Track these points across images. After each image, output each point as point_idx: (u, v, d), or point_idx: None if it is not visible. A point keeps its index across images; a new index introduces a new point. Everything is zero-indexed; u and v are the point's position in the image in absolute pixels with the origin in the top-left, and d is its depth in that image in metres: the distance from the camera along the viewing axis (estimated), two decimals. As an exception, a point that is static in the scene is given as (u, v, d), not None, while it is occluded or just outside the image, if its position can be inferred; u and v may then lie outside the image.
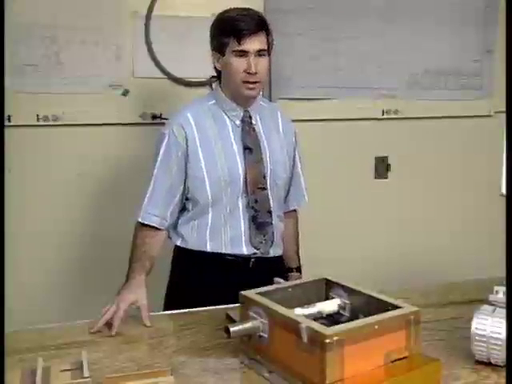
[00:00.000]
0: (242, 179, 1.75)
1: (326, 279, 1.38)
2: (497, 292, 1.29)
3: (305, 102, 2.73)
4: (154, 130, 2.54)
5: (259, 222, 1.77)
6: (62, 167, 2.46)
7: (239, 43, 1.68)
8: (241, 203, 1.77)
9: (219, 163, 1.74)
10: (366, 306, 1.27)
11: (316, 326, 1.09)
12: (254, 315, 1.22)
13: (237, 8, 1.75)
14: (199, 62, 2.56)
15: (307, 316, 1.23)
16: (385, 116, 2.92)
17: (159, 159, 1.77)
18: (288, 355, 1.14)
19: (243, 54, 1.69)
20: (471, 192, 2.99)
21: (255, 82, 1.71)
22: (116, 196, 2.53)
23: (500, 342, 1.21)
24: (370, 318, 1.13)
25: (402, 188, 2.93)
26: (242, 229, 1.76)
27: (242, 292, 1.28)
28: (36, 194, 2.43)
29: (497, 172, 2.94)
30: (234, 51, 1.69)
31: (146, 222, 1.75)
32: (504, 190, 1.38)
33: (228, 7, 2.55)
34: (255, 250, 1.78)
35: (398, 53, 2.89)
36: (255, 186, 1.77)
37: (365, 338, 1.10)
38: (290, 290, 1.35)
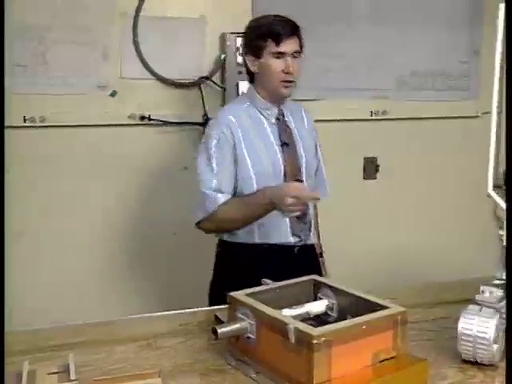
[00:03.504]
0: (282, 173, 1.89)
1: (313, 280, 1.38)
2: (483, 292, 1.30)
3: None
4: (143, 131, 2.56)
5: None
6: (49, 169, 2.44)
7: (277, 45, 1.83)
8: None
9: (263, 159, 1.88)
10: (354, 306, 1.27)
11: (303, 326, 1.09)
12: (242, 316, 1.22)
13: (269, 15, 1.92)
14: (187, 62, 2.58)
15: (295, 317, 1.23)
16: (373, 117, 2.93)
17: (213, 155, 1.84)
18: (275, 356, 1.14)
19: (281, 55, 1.84)
20: (459, 192, 3.01)
21: (291, 81, 1.87)
22: (103, 197, 2.53)
23: (486, 342, 1.22)
24: (358, 318, 1.13)
25: (390, 188, 2.95)
26: (286, 219, 1.87)
27: (230, 293, 1.28)
28: (22, 195, 2.41)
29: (484, 172, 2.96)
30: (272, 53, 1.84)
31: (215, 207, 1.81)
32: (490, 191, 1.38)
33: (215, 9, 2.58)
34: (298, 239, 1.93)
35: (387, 54, 2.90)
36: (293, 179, 1.91)
37: (352, 339, 1.10)
38: (277, 290, 1.34)
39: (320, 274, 2.04)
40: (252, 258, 1.88)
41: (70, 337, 1.45)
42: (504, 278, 1.35)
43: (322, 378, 1.06)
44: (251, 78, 1.96)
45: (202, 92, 2.60)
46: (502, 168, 3.66)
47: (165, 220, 2.65)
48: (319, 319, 1.32)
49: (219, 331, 1.18)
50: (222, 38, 2.60)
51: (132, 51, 2.47)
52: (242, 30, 2.57)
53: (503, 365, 1.26)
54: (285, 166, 1.90)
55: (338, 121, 2.82)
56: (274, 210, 1.76)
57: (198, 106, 2.60)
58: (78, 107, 2.42)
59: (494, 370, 1.25)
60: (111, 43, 2.44)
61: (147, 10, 2.47)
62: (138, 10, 2.46)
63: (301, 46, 1.89)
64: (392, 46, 2.90)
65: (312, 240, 2.03)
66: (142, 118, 2.52)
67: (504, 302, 1.30)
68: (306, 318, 1.28)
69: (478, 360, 1.25)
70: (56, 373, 1.20)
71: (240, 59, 2.61)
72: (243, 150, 1.87)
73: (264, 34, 1.85)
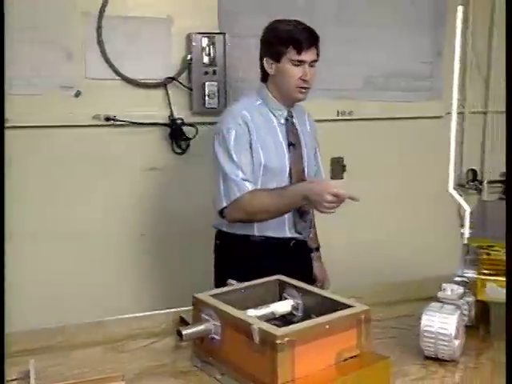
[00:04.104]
0: (287, 172, 1.96)
1: (279, 280, 1.39)
2: (444, 289, 1.33)
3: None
4: (108, 132, 2.53)
5: (302, 211, 1.99)
6: (11, 171, 2.39)
7: (299, 54, 1.90)
8: None
9: (272, 156, 1.93)
10: (319, 305, 1.28)
11: (267, 326, 1.10)
12: (207, 317, 1.21)
13: (292, 20, 1.97)
14: (153, 63, 2.56)
15: (260, 317, 1.24)
16: (340, 117, 2.96)
17: (233, 146, 1.88)
18: (240, 357, 1.14)
19: (300, 63, 1.92)
20: (424, 191, 3.06)
21: (307, 88, 1.95)
22: (67, 198, 2.49)
23: (447, 338, 1.24)
24: (321, 317, 1.14)
25: (357, 188, 2.94)
26: (286, 215, 1.94)
27: (195, 294, 1.28)
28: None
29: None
30: (292, 60, 1.91)
31: (242, 193, 1.85)
32: (451, 190, 1.41)
33: (181, 9, 2.57)
34: (298, 235, 2.01)
35: (353, 55, 2.92)
36: (298, 178, 1.98)
37: (316, 338, 1.11)
38: (243, 291, 1.35)
39: (311, 268, 2.17)
40: (249, 250, 1.96)
41: (33, 342, 1.43)
42: (464, 275, 1.38)
43: (285, 377, 1.06)
44: (264, 77, 2.01)
45: (168, 92, 2.58)
46: (466, 168, 3.74)
47: (132, 221, 2.63)
48: (284, 319, 1.32)
49: (184, 333, 1.18)
50: (188, 39, 2.59)
51: (96, 51, 2.44)
52: (208, 30, 2.61)
53: (463, 360, 1.29)
54: (291, 166, 1.97)
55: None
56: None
57: (164, 107, 2.58)
58: (42, 108, 2.38)
59: (454, 365, 1.27)
60: (75, 43, 2.40)
61: (112, 10, 2.44)
62: (102, 9, 2.43)
63: (318, 55, 1.97)
64: (358, 46, 2.92)
65: (310, 235, 2.12)
66: (107, 118, 2.49)
67: (464, 298, 1.33)
68: (271, 318, 1.28)
69: (440, 356, 1.27)
70: (16, 379, 1.17)
71: (206, 59, 2.62)
72: (256, 144, 1.91)
73: (286, 40, 1.91)
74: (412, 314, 1.51)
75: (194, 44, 2.58)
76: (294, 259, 2.01)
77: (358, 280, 2.18)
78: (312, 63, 1.94)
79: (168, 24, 2.55)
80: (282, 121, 2.00)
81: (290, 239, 2.02)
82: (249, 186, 1.87)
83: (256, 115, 1.95)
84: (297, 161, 2.01)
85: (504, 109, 3.55)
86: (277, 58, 1.94)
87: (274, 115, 1.99)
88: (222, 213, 1.92)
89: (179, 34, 2.58)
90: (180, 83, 2.59)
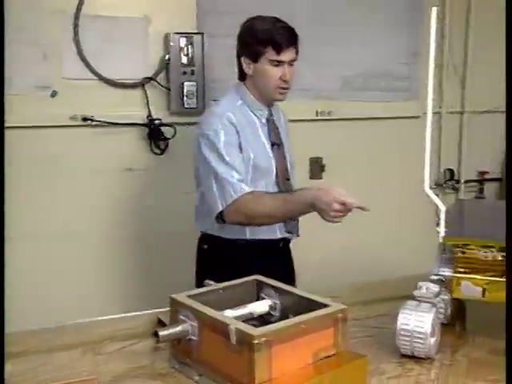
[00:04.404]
0: (274, 172, 1.94)
1: (256, 280, 1.39)
2: (420, 288, 1.34)
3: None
4: (85, 133, 2.51)
5: None
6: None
7: (278, 54, 1.86)
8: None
9: (258, 156, 1.90)
10: (296, 305, 1.28)
11: (244, 327, 1.10)
12: (184, 318, 1.21)
13: (269, 17, 1.91)
14: (131, 63, 2.54)
15: (238, 317, 1.23)
16: (318, 117, 2.97)
17: (223, 147, 1.82)
18: (217, 357, 1.14)
19: (279, 63, 1.87)
20: (402, 191, 3.08)
21: (286, 88, 1.91)
22: (43, 199, 2.47)
23: (423, 336, 1.25)
24: (298, 317, 1.14)
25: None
26: None
27: (172, 295, 1.27)
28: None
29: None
30: (271, 60, 1.87)
31: (238, 195, 1.79)
32: (427, 189, 1.42)
33: (158, 9, 2.55)
34: (288, 234, 2.01)
35: (331, 55, 2.94)
36: (284, 178, 1.97)
37: (293, 338, 1.11)
38: (220, 291, 1.34)
39: (293, 266, 2.15)
40: (239, 253, 1.92)
41: (9, 345, 1.40)
42: (440, 273, 1.39)
43: (262, 377, 1.06)
44: (242, 76, 1.97)
45: (146, 93, 2.57)
46: (443, 167, 3.77)
47: (110, 222, 2.61)
48: (262, 319, 1.32)
49: (160, 334, 1.17)
50: (166, 38, 2.58)
51: (73, 51, 2.41)
52: (187, 30, 2.60)
53: (439, 357, 1.30)
54: (276, 166, 1.95)
55: (285, 121, 2.84)
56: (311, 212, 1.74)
57: (142, 107, 2.57)
58: (17, 108, 2.34)
59: (430, 362, 1.28)
60: (51, 42, 2.38)
61: (88, 9, 2.42)
62: (79, 8, 2.41)
63: (297, 53, 1.92)
64: (336, 46, 2.94)
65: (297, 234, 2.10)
66: (85, 119, 2.47)
67: (440, 297, 1.35)
68: (248, 319, 1.28)
69: (416, 354, 1.28)
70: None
71: (185, 59, 2.61)
72: (244, 143, 1.88)
73: (265, 40, 1.86)
74: (389, 312, 1.52)
75: (172, 44, 2.57)
76: (284, 258, 2.02)
77: (336, 280, 2.19)
78: (291, 62, 1.91)
79: (145, 24, 2.54)
80: (264, 120, 1.97)
81: (280, 240, 2.01)
82: (245, 188, 1.80)
83: (239, 115, 1.91)
84: (281, 161, 1.99)
85: (481, 109, 3.61)
86: (255, 58, 1.89)
87: (256, 115, 1.96)
88: (218, 216, 1.84)
89: (157, 33, 2.57)
90: (158, 83, 2.58)
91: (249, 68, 1.92)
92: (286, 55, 1.88)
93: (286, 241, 2.06)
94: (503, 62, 3.71)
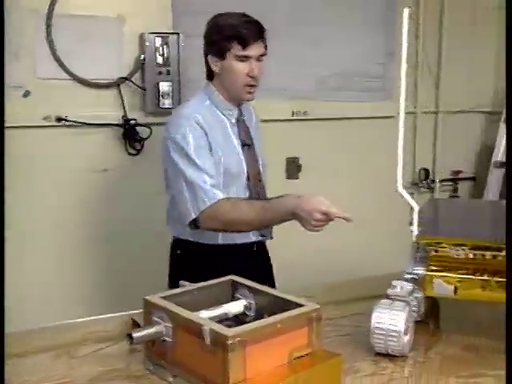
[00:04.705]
0: (245, 173, 1.89)
1: (231, 280, 1.39)
2: (394, 286, 1.35)
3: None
4: (60, 133, 2.48)
5: None
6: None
7: (244, 49, 1.79)
8: (245, 196, 1.89)
9: (228, 158, 1.85)
10: (271, 305, 1.28)
11: (218, 327, 1.09)
12: (158, 320, 1.20)
13: (234, 13, 1.85)
14: (105, 62, 2.52)
15: (212, 318, 1.23)
16: (294, 117, 2.98)
17: (193, 150, 1.77)
18: (192, 358, 1.14)
19: (245, 58, 1.81)
20: (378, 190, 3.10)
21: (254, 86, 1.85)
22: (16, 201, 2.43)
23: (396, 334, 1.26)
24: (272, 317, 1.14)
25: (312, 188, 2.96)
26: None
27: (145, 297, 1.26)
28: None
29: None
30: (237, 56, 1.80)
31: (212, 202, 1.74)
32: (400, 189, 1.44)
33: (133, 8, 2.54)
34: (261, 238, 1.96)
35: (307, 55, 2.95)
36: (255, 180, 1.93)
37: (267, 338, 1.11)
38: (195, 292, 1.34)
39: (272, 268, 2.12)
40: (213, 259, 1.87)
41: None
42: (414, 272, 1.40)
43: (237, 378, 1.06)
44: (210, 75, 1.91)
45: (121, 93, 2.55)
46: (418, 167, 3.81)
47: (85, 222, 2.58)
48: (237, 319, 1.32)
49: (134, 336, 1.16)
50: (141, 38, 2.56)
51: (46, 50, 2.38)
52: (162, 30, 2.58)
53: (413, 355, 1.32)
54: (248, 168, 1.90)
55: (260, 121, 2.84)
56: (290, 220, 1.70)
57: (117, 107, 2.55)
58: (-11, 108, 2.31)
59: (404, 360, 1.29)
60: (23, 42, 2.35)
61: (61, 8, 2.40)
62: (51, 7, 2.38)
63: (265, 48, 1.87)
64: (313, 46, 2.95)
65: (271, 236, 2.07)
66: (59, 119, 2.45)
67: (413, 295, 1.36)
68: (223, 319, 1.28)
69: (390, 352, 1.29)
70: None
71: (160, 59, 2.60)
72: (215, 146, 1.83)
73: (230, 36, 1.80)
74: (364, 311, 1.53)
75: (147, 44, 2.56)
76: (259, 260, 1.99)
77: (311, 279, 2.19)
78: (259, 58, 1.84)
79: (120, 23, 2.52)
80: (233, 121, 1.91)
81: (254, 243, 1.97)
82: (219, 194, 1.75)
83: (208, 117, 1.84)
84: (252, 162, 1.94)
85: (455, 109, 3.65)
86: (221, 54, 1.82)
87: (225, 115, 1.90)
88: (191, 222, 1.79)
89: (132, 33, 2.56)
90: (133, 83, 2.56)
91: (216, 66, 1.85)
92: (253, 50, 1.81)
93: (260, 243, 2.02)
94: (476, 62, 3.77)
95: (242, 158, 1.90)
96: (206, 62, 1.89)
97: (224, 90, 1.88)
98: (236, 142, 1.90)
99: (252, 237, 1.94)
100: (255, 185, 1.93)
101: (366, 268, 1.98)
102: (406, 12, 1.32)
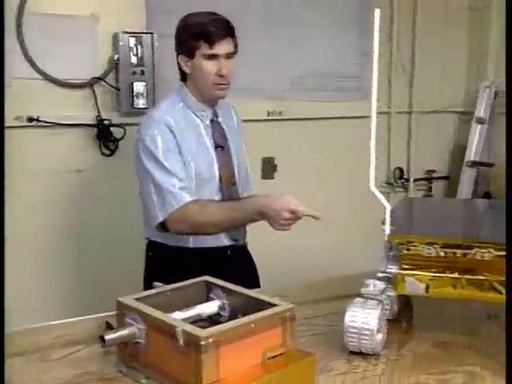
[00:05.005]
0: (217, 177, 1.87)
1: (205, 281, 1.38)
2: (367, 285, 1.36)
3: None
4: (32, 134, 2.45)
5: None
6: None
7: (211, 47, 1.78)
8: (217, 199, 1.87)
9: (199, 162, 1.83)
10: (245, 305, 1.27)
11: (191, 328, 1.09)
12: (131, 321, 1.19)
13: (203, 12, 1.84)
14: (78, 62, 2.50)
15: (186, 319, 1.23)
16: (270, 117, 2.98)
17: (162, 154, 1.77)
18: (165, 360, 1.13)
19: (214, 57, 1.80)
20: (353, 190, 3.11)
21: (225, 84, 1.83)
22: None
23: (369, 332, 1.27)
24: (245, 317, 1.14)
25: (288, 188, 2.96)
26: None
27: (118, 298, 1.25)
28: None
29: (377, 171, 3.10)
30: (205, 55, 1.79)
31: (180, 204, 1.74)
32: (372, 188, 1.44)
33: (106, 7, 2.52)
34: (234, 242, 1.93)
35: (282, 55, 2.96)
36: (228, 182, 1.90)
37: (241, 338, 1.11)
38: (168, 293, 1.33)
39: (255, 272, 2.10)
40: (185, 262, 1.84)
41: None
42: (387, 270, 1.42)
43: (210, 378, 1.06)
44: (183, 77, 1.90)
45: (94, 93, 2.53)
46: (393, 166, 3.84)
47: (58, 224, 2.55)
48: (211, 320, 1.32)
49: (106, 338, 1.15)
50: (115, 38, 2.54)
51: (17, 50, 2.35)
52: (136, 30, 2.57)
53: (385, 353, 1.33)
54: (220, 170, 1.88)
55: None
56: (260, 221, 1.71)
57: (90, 107, 2.53)
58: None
59: (377, 358, 1.30)
60: (-6, 41, 2.31)
61: (32, 7, 2.37)
62: (22, 6, 2.34)
63: (235, 46, 1.86)
64: (288, 46, 2.96)
65: (247, 240, 2.04)
66: (31, 119, 2.42)
67: (386, 293, 1.37)
68: (197, 320, 1.27)
69: (363, 350, 1.30)
70: None
71: (134, 59, 2.58)
72: (183, 149, 1.81)
73: (196, 34, 1.79)
74: (338, 311, 1.54)
75: (121, 43, 2.54)
76: (234, 267, 1.91)
77: (286, 279, 2.18)
78: (228, 56, 1.83)
79: (93, 22, 2.50)
80: (207, 122, 1.90)
81: (227, 247, 1.94)
82: (187, 197, 1.75)
83: (179, 119, 1.83)
84: (226, 164, 1.92)
85: (428, 109, 3.70)
86: (190, 54, 1.81)
87: (198, 117, 1.89)
88: (159, 225, 1.80)
89: (106, 32, 2.54)
90: (107, 83, 2.54)
91: (186, 66, 1.85)
92: (220, 48, 1.80)
93: (237, 247, 1.98)
94: (449, 63, 3.81)
95: (215, 160, 1.89)
96: (178, 63, 1.88)
97: (196, 91, 1.87)
98: (209, 144, 1.89)
99: (224, 241, 1.92)
100: (228, 187, 1.91)
101: (341, 267, 1.98)
102: (377, 12, 1.32)
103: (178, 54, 1.87)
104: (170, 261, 1.89)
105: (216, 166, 1.88)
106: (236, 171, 1.96)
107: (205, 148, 1.88)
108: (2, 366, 1.10)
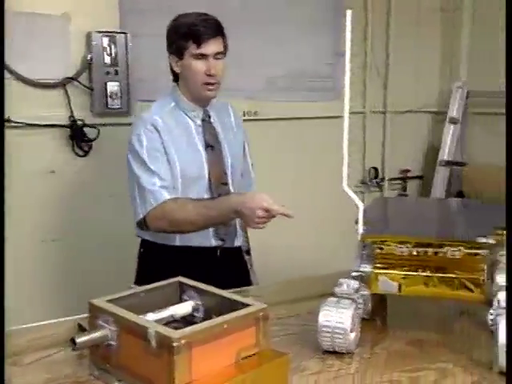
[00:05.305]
0: (206, 176, 1.88)
1: (179, 282, 1.37)
2: (341, 284, 1.37)
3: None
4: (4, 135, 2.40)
5: None
6: None
7: (199, 47, 1.81)
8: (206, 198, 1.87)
9: (188, 161, 1.85)
10: (219, 306, 1.27)
11: (163, 329, 1.08)
12: (103, 323, 1.18)
13: (194, 13, 1.87)
14: (50, 62, 2.47)
15: (159, 320, 1.22)
16: (246, 117, 2.98)
17: (146, 153, 1.80)
18: (137, 362, 1.12)
19: (202, 57, 1.82)
20: (327, 190, 3.13)
21: (214, 83, 1.85)
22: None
23: (343, 331, 1.28)
24: (219, 318, 1.14)
25: (262, 188, 2.93)
26: None
27: (91, 300, 1.23)
28: None
29: (351, 170, 3.12)
30: (193, 54, 1.82)
31: (159, 202, 1.76)
32: (345, 187, 1.45)
33: (79, 6, 2.49)
34: (221, 242, 1.92)
35: (256, 55, 2.96)
36: (218, 182, 1.90)
37: (214, 339, 1.10)
38: (142, 295, 1.32)
39: (247, 276, 2.07)
40: (173, 260, 1.86)
41: None
42: (361, 269, 1.42)
43: (182, 380, 1.05)
44: (175, 77, 1.92)
45: (67, 93, 2.49)
46: (368, 166, 3.87)
47: (31, 225, 2.51)
48: (185, 321, 1.31)
49: (77, 341, 1.14)
50: (88, 37, 2.51)
51: (-13, 49, 2.31)
52: (109, 29, 2.54)
53: (359, 351, 1.33)
54: (209, 169, 1.89)
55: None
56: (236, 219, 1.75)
57: (63, 108, 2.50)
58: None
59: (350, 357, 1.31)
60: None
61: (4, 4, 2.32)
62: (-8, 4, 2.31)
63: (225, 47, 1.88)
64: (263, 47, 2.96)
65: (239, 242, 2.03)
66: (2, 120, 2.37)
67: (359, 292, 1.38)
68: (171, 321, 1.27)
69: (337, 349, 1.31)
70: None
71: (108, 59, 2.56)
72: (170, 149, 1.84)
73: (185, 34, 1.82)
74: (313, 310, 1.54)
75: (94, 43, 2.51)
76: (224, 268, 1.92)
77: (260, 280, 2.19)
78: (218, 55, 1.85)
79: (65, 21, 2.46)
80: (198, 122, 1.92)
81: (216, 248, 1.94)
82: (166, 195, 1.78)
83: (169, 119, 1.86)
84: (216, 164, 1.93)
85: (402, 109, 3.72)
86: (180, 54, 1.85)
87: (189, 117, 1.91)
88: (141, 223, 1.83)
89: (78, 32, 2.51)
90: (80, 83, 2.51)
91: (177, 66, 1.88)
92: (208, 48, 1.82)
93: (225, 250, 1.97)
94: (422, 63, 3.85)
95: (204, 159, 1.90)
96: (170, 63, 1.91)
97: (187, 91, 1.90)
98: (200, 144, 1.91)
99: (212, 240, 1.92)
100: (218, 187, 1.92)
101: (316, 267, 1.99)
102: (348, 13, 1.33)
103: (169, 55, 1.90)
104: (159, 258, 1.92)
105: (205, 166, 1.89)
106: (229, 172, 1.96)
107: (195, 148, 1.89)
108: (2, 366, 1.10)
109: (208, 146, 1.91)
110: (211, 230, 1.90)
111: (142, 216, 1.81)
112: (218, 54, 1.85)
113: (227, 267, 1.94)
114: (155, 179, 1.79)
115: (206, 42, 1.81)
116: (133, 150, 1.83)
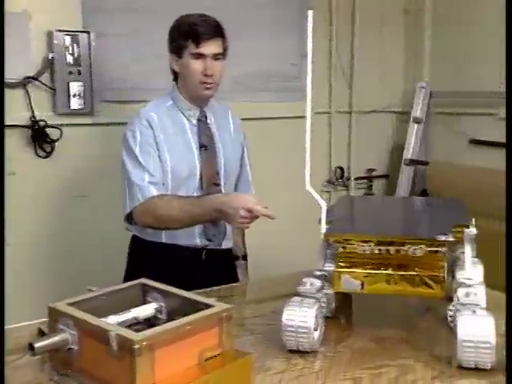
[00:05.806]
0: (198, 175, 1.89)
1: (142, 283, 1.36)
2: (304, 283, 1.37)
3: (131, 104, 2.68)
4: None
5: None
6: None
7: (197, 46, 1.83)
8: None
9: (180, 159, 1.87)
10: (182, 307, 1.26)
11: (125, 332, 1.07)
12: (63, 327, 1.16)
13: (195, 14, 1.91)
14: (9, 61, 2.39)
15: (121, 323, 1.20)
16: (211, 118, 2.97)
17: (138, 149, 1.83)
18: (99, 365, 1.10)
19: (201, 56, 1.84)
20: (294, 190, 3.13)
21: (211, 83, 1.87)
22: None
23: (306, 330, 1.28)
24: (181, 319, 1.13)
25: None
26: None
27: (50, 304, 1.21)
28: None
29: (318, 171, 3.14)
30: (192, 54, 1.84)
31: (145, 198, 1.78)
32: (308, 187, 1.46)
33: (40, 4, 2.45)
34: (208, 242, 1.93)
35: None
36: (210, 182, 1.91)
37: (177, 340, 1.09)
38: (104, 297, 1.30)
39: (235, 279, 2.04)
40: (160, 258, 1.88)
41: None
42: (324, 268, 1.43)
43: (145, 382, 1.04)
44: (175, 76, 1.95)
45: (28, 93, 2.45)
46: (334, 165, 3.89)
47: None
48: (149, 323, 1.29)
49: (36, 346, 1.11)
50: (49, 36, 2.47)
51: None
52: (71, 28, 2.50)
53: (323, 350, 1.34)
54: (201, 169, 1.90)
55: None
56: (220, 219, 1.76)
57: (24, 108, 2.45)
58: None
59: (314, 355, 1.32)
60: None
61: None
62: None
63: (224, 49, 1.90)
64: (229, 47, 2.95)
65: (228, 245, 2.02)
66: (-40, 120, 2.31)
67: (323, 291, 1.39)
68: (134, 324, 1.25)
69: (301, 348, 1.31)
70: None
71: (70, 58, 2.52)
72: (163, 146, 1.85)
73: (185, 33, 1.85)
74: (278, 310, 1.55)
75: (55, 42, 2.47)
76: (210, 270, 1.91)
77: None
78: (217, 56, 1.87)
79: (25, 19, 2.42)
80: (194, 121, 1.94)
81: (202, 249, 1.94)
82: (153, 190, 1.80)
83: (164, 117, 1.89)
84: (209, 164, 1.93)
85: (367, 109, 3.76)
86: (179, 53, 1.87)
87: (185, 116, 1.93)
88: (129, 217, 1.85)
89: (39, 30, 2.46)
90: (41, 83, 2.47)
91: (176, 64, 1.91)
92: (207, 48, 1.85)
93: (212, 251, 1.96)
94: (386, 64, 3.89)
95: (197, 159, 1.91)
96: (170, 62, 1.93)
97: (184, 89, 1.92)
98: (193, 144, 1.92)
99: (197, 240, 1.92)
100: (209, 187, 1.92)
101: (282, 267, 2.00)
102: (310, 14, 1.34)
103: (169, 54, 1.92)
104: (146, 255, 1.93)
105: (198, 165, 1.90)
106: (222, 173, 1.97)
107: (188, 147, 1.91)
108: (2, 366, 1.10)
109: (202, 146, 1.93)
110: (198, 229, 1.90)
111: (128, 210, 1.82)
112: (216, 54, 1.87)
113: (212, 268, 1.94)
114: (145, 175, 1.81)
115: (205, 41, 1.84)
116: (127, 145, 1.85)
